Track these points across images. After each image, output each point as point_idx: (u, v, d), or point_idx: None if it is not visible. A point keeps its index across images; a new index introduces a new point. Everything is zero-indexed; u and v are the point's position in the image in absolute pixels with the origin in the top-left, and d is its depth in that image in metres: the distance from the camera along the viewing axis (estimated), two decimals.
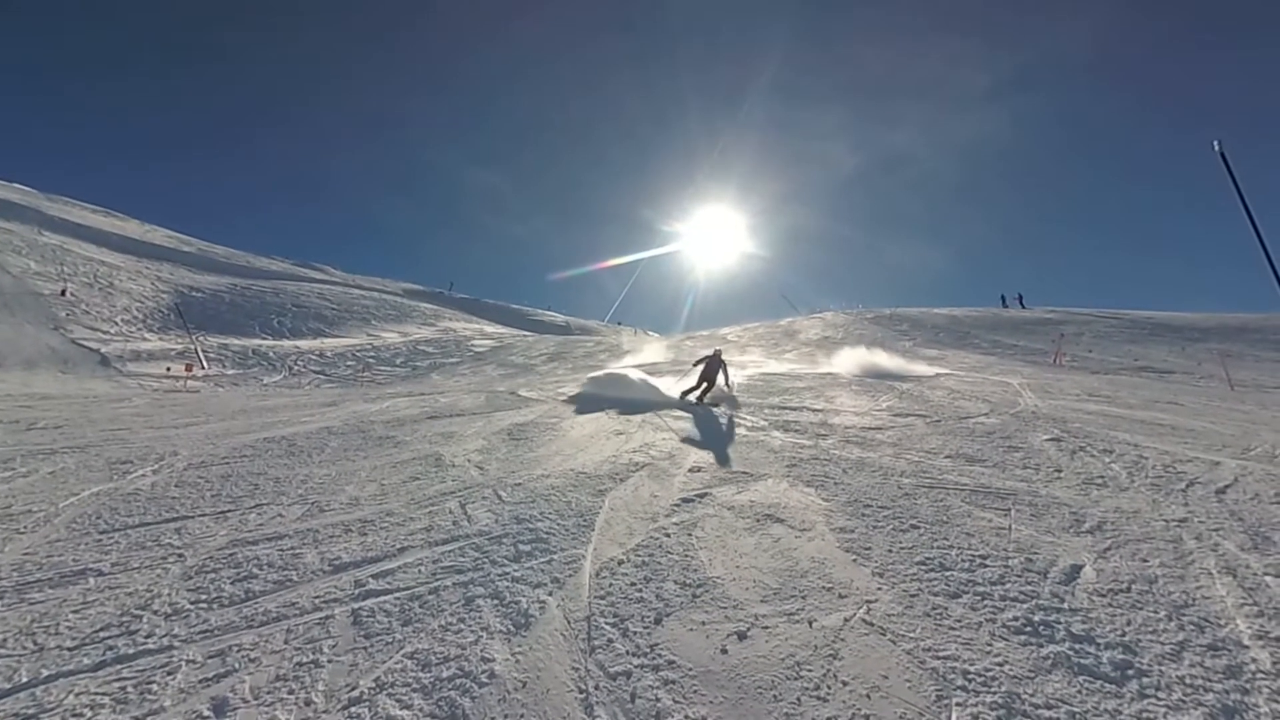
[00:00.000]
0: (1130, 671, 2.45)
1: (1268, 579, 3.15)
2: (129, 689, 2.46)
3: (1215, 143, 13.90)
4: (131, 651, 2.72)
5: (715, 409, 8.81)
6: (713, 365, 9.86)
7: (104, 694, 2.43)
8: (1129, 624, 2.78)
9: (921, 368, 13.02)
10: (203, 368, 18.34)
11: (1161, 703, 2.26)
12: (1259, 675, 2.40)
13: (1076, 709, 2.24)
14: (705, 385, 9.62)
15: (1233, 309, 24.44)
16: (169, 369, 17.55)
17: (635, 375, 10.94)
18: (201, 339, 21.45)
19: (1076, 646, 2.61)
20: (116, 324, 21.40)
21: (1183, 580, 3.18)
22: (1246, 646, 2.58)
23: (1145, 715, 2.20)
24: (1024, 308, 29.65)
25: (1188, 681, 2.38)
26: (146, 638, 2.83)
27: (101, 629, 2.91)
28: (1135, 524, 3.96)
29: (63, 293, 21.97)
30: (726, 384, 9.69)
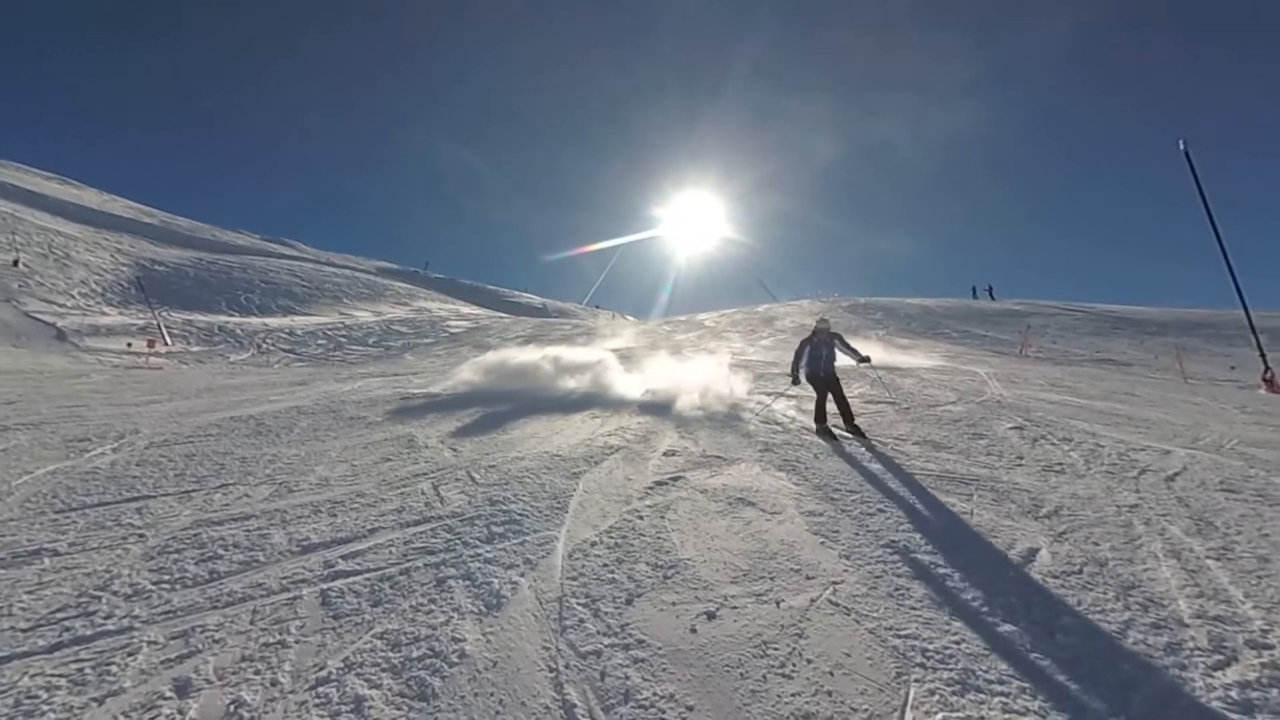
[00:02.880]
0: (1081, 651, 2.56)
1: (1209, 562, 3.31)
2: (87, 670, 2.40)
3: (1180, 142, 14.32)
4: (90, 633, 2.66)
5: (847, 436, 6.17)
6: (821, 356, 6.60)
7: (60, 675, 2.37)
8: (1079, 604, 2.90)
9: (927, 362, 13.38)
10: (166, 344, 17.75)
11: (1108, 681, 2.38)
12: (1196, 652, 2.53)
13: (1027, 685, 2.33)
14: (842, 404, 6.37)
15: (1191, 304, 25.45)
16: (130, 344, 16.97)
17: (582, 357, 9.23)
18: (164, 314, 20.73)
19: (1032, 626, 2.71)
20: (73, 297, 20.56)
21: (1131, 563, 3.32)
22: (1187, 625, 2.72)
23: (1093, 691, 2.31)
24: (993, 299, 30.35)
25: (1132, 659, 2.49)
26: (105, 619, 2.77)
27: (58, 610, 2.83)
28: (1090, 509, 4.12)
29: (15, 263, 21.01)
30: (863, 361, 6.76)
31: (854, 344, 7.06)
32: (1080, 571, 3.22)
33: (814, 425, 6.42)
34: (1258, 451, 5.46)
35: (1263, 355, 12.59)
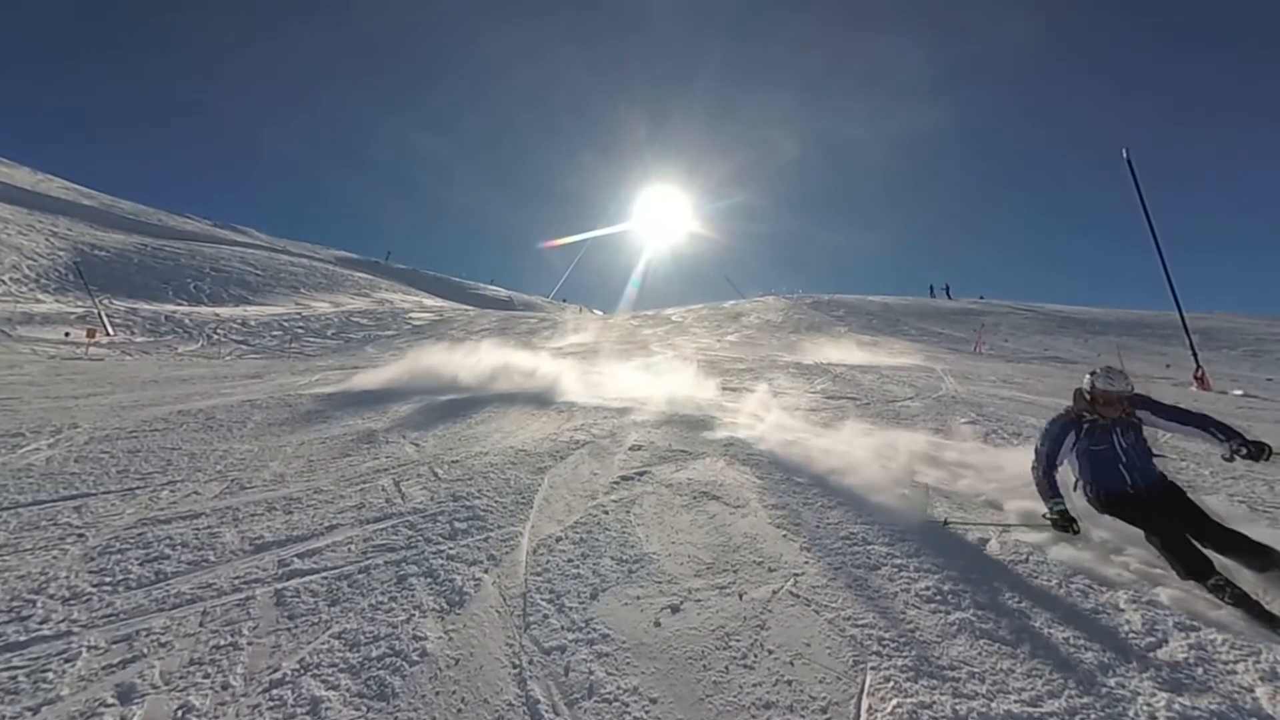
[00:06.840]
0: (1024, 634, 2.68)
1: (1143, 549, 3.50)
2: (20, 678, 2.28)
3: (1124, 150, 15.07)
4: (23, 639, 2.52)
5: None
6: (1120, 452, 3.43)
7: None
8: (1027, 589, 3.04)
9: (889, 359, 13.73)
10: (107, 334, 16.86)
11: (1048, 663, 2.50)
12: (1131, 635, 2.68)
13: (976, 669, 2.44)
14: (1218, 532, 3.01)
15: (1132, 305, 26.85)
16: (68, 334, 16.04)
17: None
18: (106, 302, 19.68)
19: (980, 613, 2.83)
20: (4, 283, 19.32)
21: (1073, 549, 3.49)
22: (1122, 610, 2.88)
23: (1034, 673, 2.43)
24: (950, 298, 31.38)
25: (1071, 642, 2.63)
26: (41, 624, 2.63)
27: None
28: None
29: None
30: (1251, 453, 3.08)
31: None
32: (1027, 560, 3.37)
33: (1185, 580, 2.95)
34: (1188, 445, 5.80)
35: (1194, 355, 13.36)
